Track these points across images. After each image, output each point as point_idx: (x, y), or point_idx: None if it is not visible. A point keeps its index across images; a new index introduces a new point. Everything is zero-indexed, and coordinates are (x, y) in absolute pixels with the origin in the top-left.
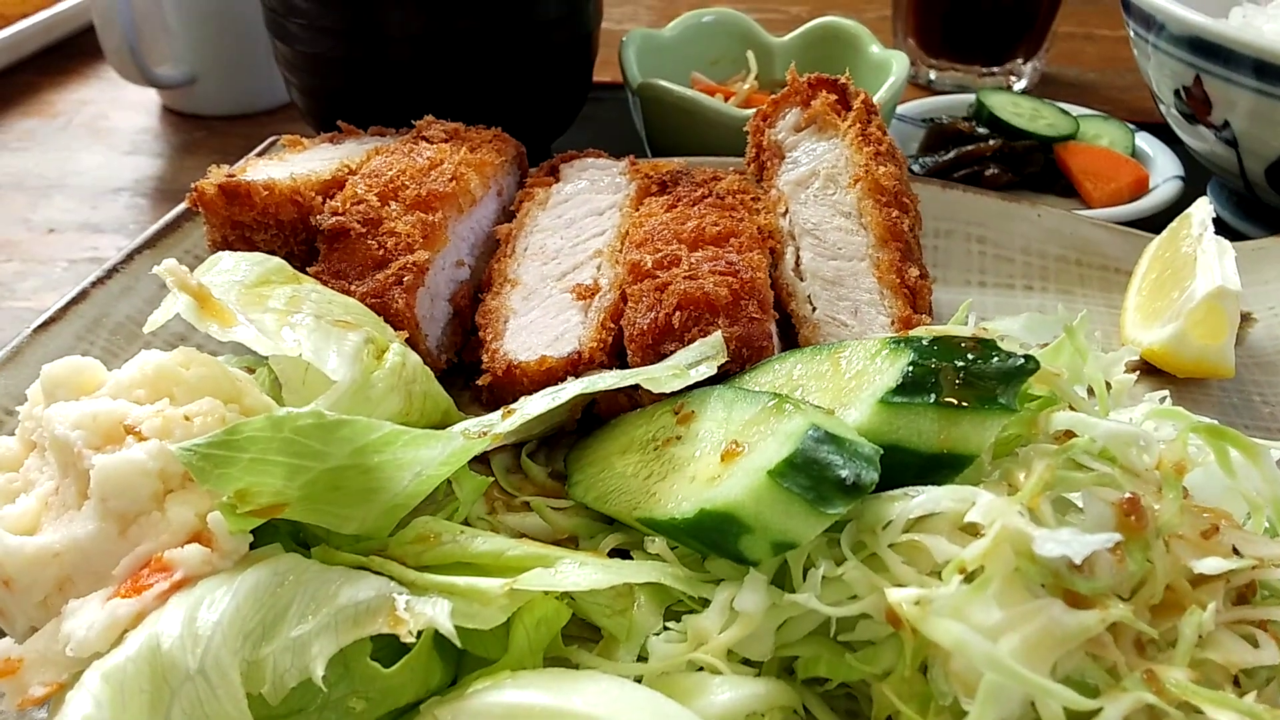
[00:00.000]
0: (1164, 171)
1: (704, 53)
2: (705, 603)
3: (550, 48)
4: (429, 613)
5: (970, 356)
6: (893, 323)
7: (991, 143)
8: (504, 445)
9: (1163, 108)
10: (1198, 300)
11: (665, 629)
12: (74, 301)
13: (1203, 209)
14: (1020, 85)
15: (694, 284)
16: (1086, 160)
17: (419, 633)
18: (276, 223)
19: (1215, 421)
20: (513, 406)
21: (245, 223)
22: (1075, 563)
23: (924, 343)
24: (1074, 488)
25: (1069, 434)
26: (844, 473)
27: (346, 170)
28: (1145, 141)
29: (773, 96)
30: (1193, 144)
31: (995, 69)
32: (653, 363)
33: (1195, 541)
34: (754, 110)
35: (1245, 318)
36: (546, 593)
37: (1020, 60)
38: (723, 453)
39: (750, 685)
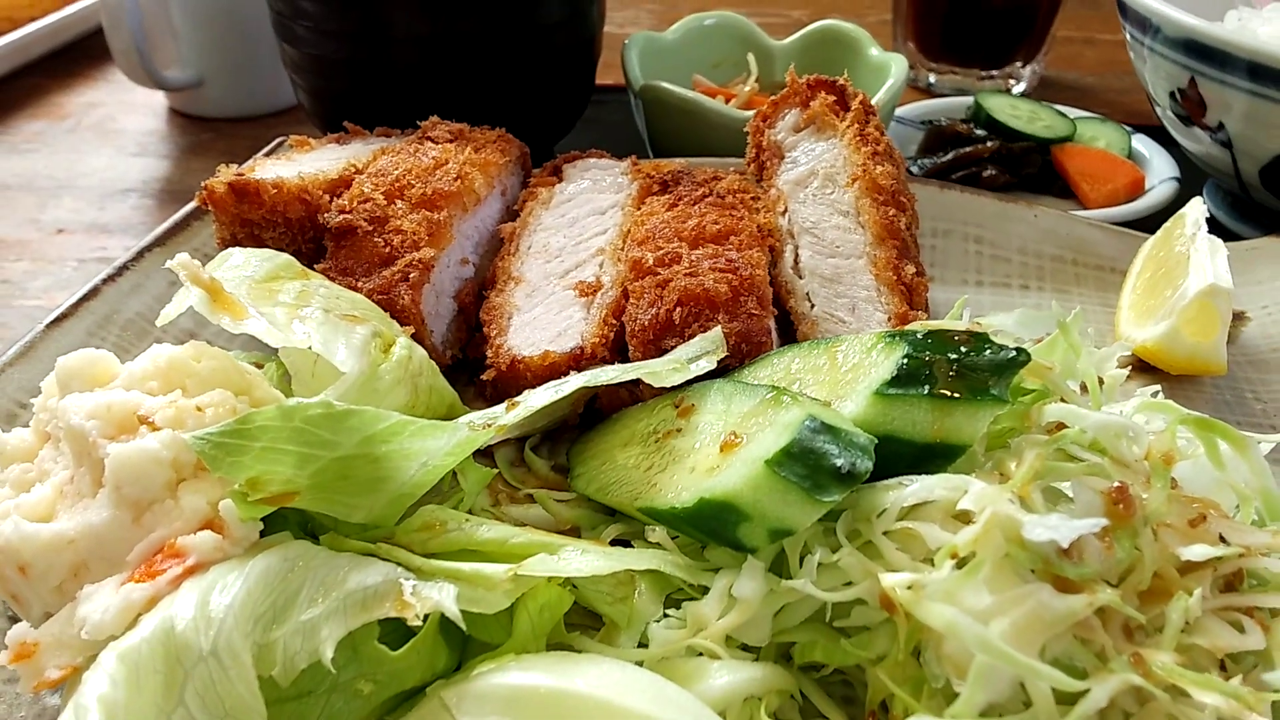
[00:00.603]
0: (1160, 173)
1: (705, 55)
2: (704, 590)
3: (553, 50)
4: (435, 597)
5: (963, 349)
6: (889, 319)
7: (990, 144)
8: (507, 439)
9: (1159, 110)
10: (1190, 298)
11: (665, 615)
12: (85, 298)
13: (1196, 209)
14: (1019, 88)
15: (694, 281)
16: (1083, 162)
17: (426, 617)
18: (285, 221)
19: (1206, 415)
20: (516, 400)
21: (254, 221)
22: (1063, 547)
23: (918, 336)
24: (1064, 477)
25: (1060, 426)
26: (839, 461)
27: (353, 170)
28: (1141, 143)
29: (772, 98)
30: (1188, 145)
31: (994, 72)
32: (654, 358)
33: (1183, 530)
34: (754, 111)
35: (1238, 316)
36: (550, 579)
37: (1019, 64)
38: (722, 444)
39: (748, 670)
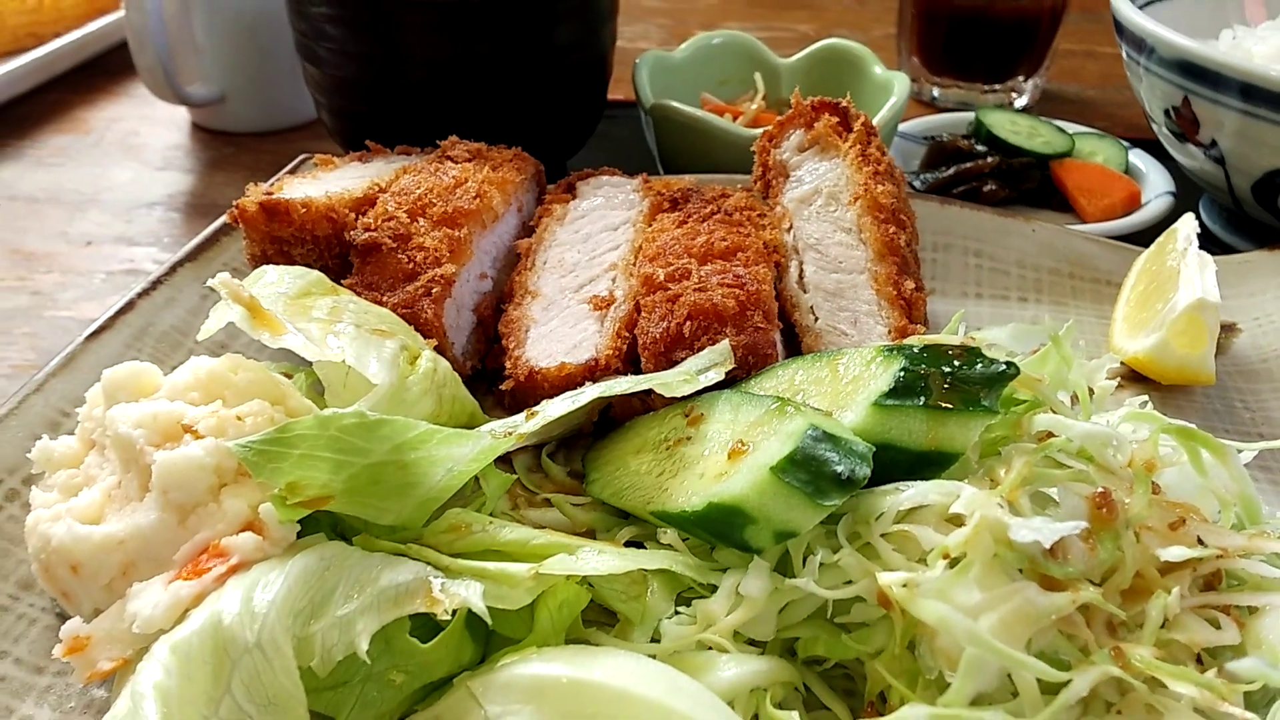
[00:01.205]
0: (1156, 187)
1: (713, 73)
2: (713, 588)
3: (567, 70)
4: (463, 594)
5: (957, 363)
6: (889, 332)
7: (990, 160)
8: (526, 446)
9: (1154, 126)
10: (1179, 311)
11: (676, 613)
12: (122, 311)
13: (1188, 225)
14: (1021, 102)
15: (703, 296)
16: (1081, 176)
17: (453, 612)
18: (313, 238)
19: (1193, 425)
20: (535, 409)
21: (284, 238)
22: (1046, 548)
23: (915, 350)
24: (1052, 483)
25: (1049, 434)
26: (840, 468)
27: (377, 188)
28: (1139, 158)
29: (778, 118)
30: (1183, 161)
31: (997, 86)
32: (665, 369)
33: (1163, 533)
34: (761, 130)
35: (1230, 328)
36: (568, 577)
37: (1021, 78)
38: (729, 451)
39: (754, 663)
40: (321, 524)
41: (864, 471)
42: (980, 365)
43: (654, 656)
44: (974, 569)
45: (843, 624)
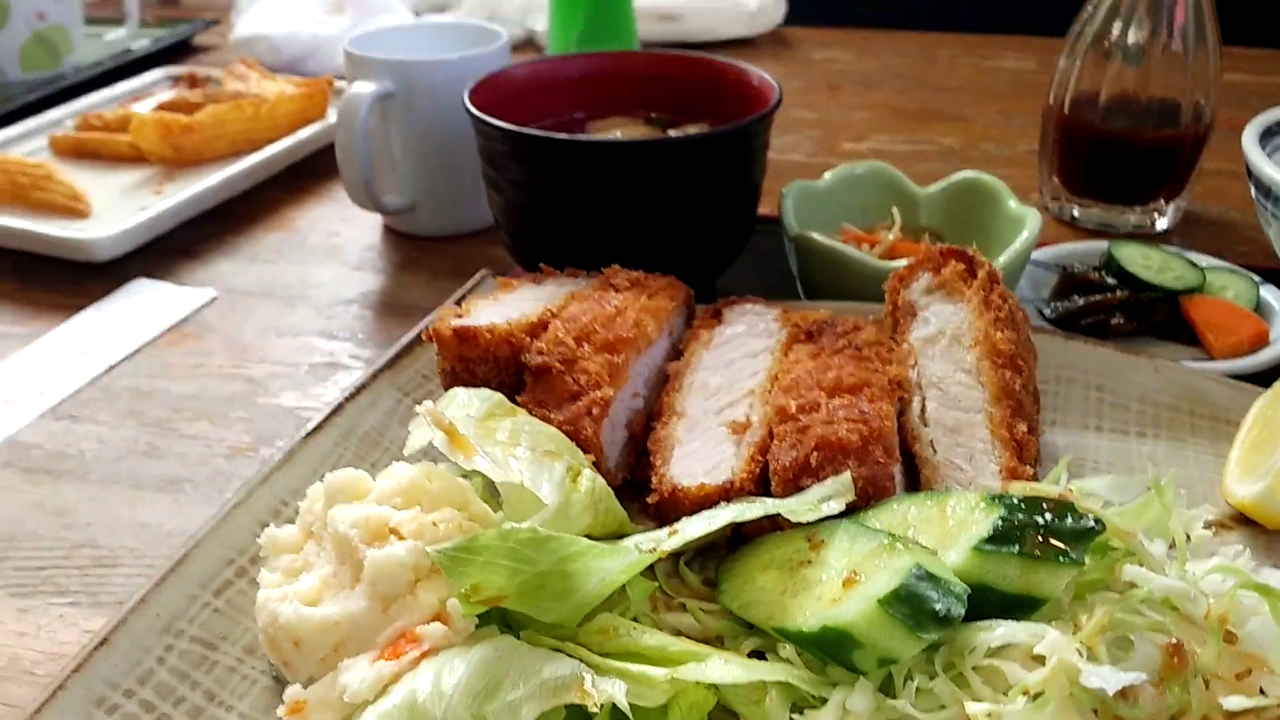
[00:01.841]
0: None
1: (855, 201)
2: (824, 701)
3: (722, 202)
4: (609, 690)
5: (1050, 516)
6: (1000, 470)
7: (1119, 294)
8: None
9: None
10: None
11: (791, 719)
12: (332, 414)
13: None
14: (1163, 224)
15: (830, 429)
16: (1210, 312)
17: (601, 706)
18: (495, 359)
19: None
20: (675, 527)
21: (471, 357)
22: (1109, 694)
23: (1014, 501)
24: (1131, 630)
25: (1134, 584)
26: (938, 606)
27: (549, 314)
28: (1270, 294)
29: (908, 262)
30: None
31: (1138, 208)
32: (792, 494)
33: (1230, 681)
34: (894, 263)
35: None
36: (698, 682)
37: (1163, 200)
38: (844, 580)
39: None
40: (494, 618)
41: (959, 611)
42: (1071, 520)
43: None
44: (1050, 706)
45: None
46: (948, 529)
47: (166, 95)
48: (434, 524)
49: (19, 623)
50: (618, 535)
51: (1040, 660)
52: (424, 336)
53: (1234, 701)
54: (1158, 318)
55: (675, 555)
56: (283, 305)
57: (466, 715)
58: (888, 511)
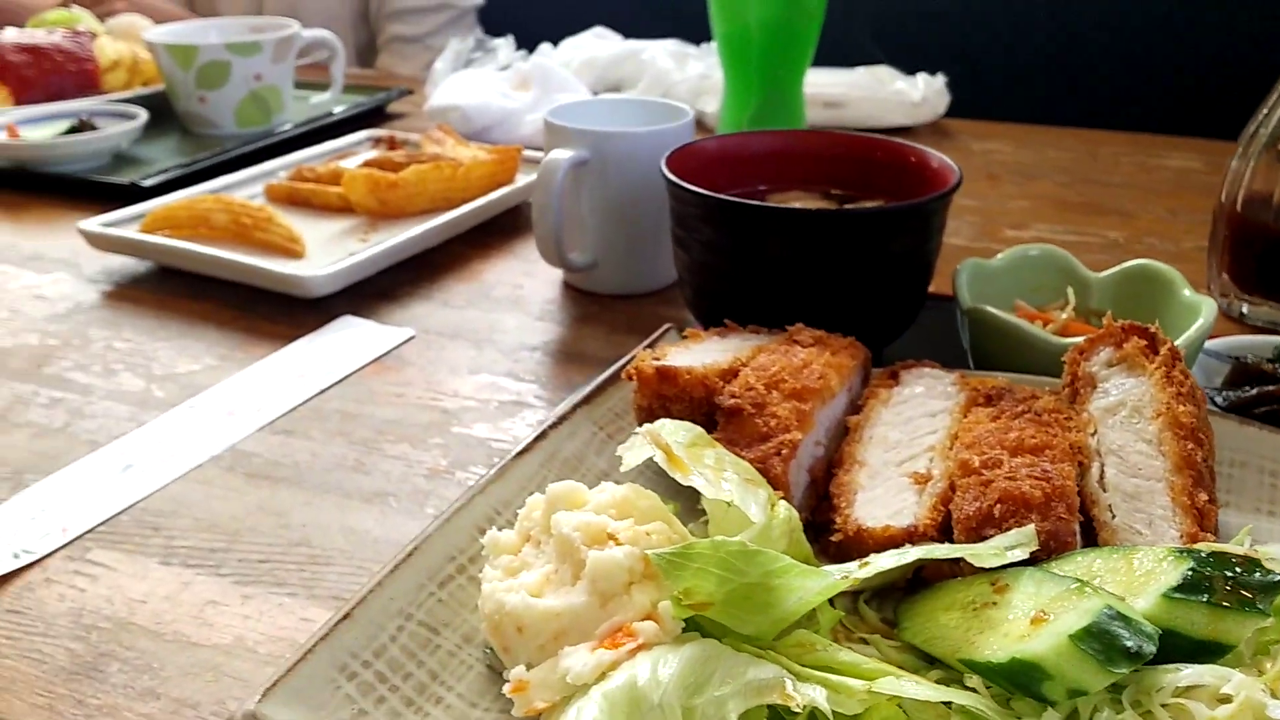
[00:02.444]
0: None
1: (1027, 281)
2: None
3: (897, 273)
4: (811, 695)
5: (1238, 569)
6: (1180, 536)
7: None
8: (842, 592)
9: None
10: None
11: None
12: (537, 439)
13: None
14: None
15: (1013, 484)
16: None
17: (802, 708)
18: (690, 398)
19: None
20: (867, 560)
21: (668, 396)
22: None
23: (1203, 554)
24: None
25: None
26: (1130, 643)
27: (739, 362)
28: None
29: (1089, 336)
30: None
31: None
32: (974, 543)
33: None
34: (1070, 340)
35: None
36: (890, 697)
37: None
38: (1032, 618)
39: None
40: (694, 627)
41: (1150, 648)
42: (1259, 574)
43: None
44: None
45: None
46: (1135, 579)
47: (370, 154)
48: (647, 533)
49: (244, 607)
50: None
51: (1225, 700)
52: (624, 375)
53: None
54: None
55: (854, 594)
56: (473, 347)
57: (678, 705)
58: (1071, 562)
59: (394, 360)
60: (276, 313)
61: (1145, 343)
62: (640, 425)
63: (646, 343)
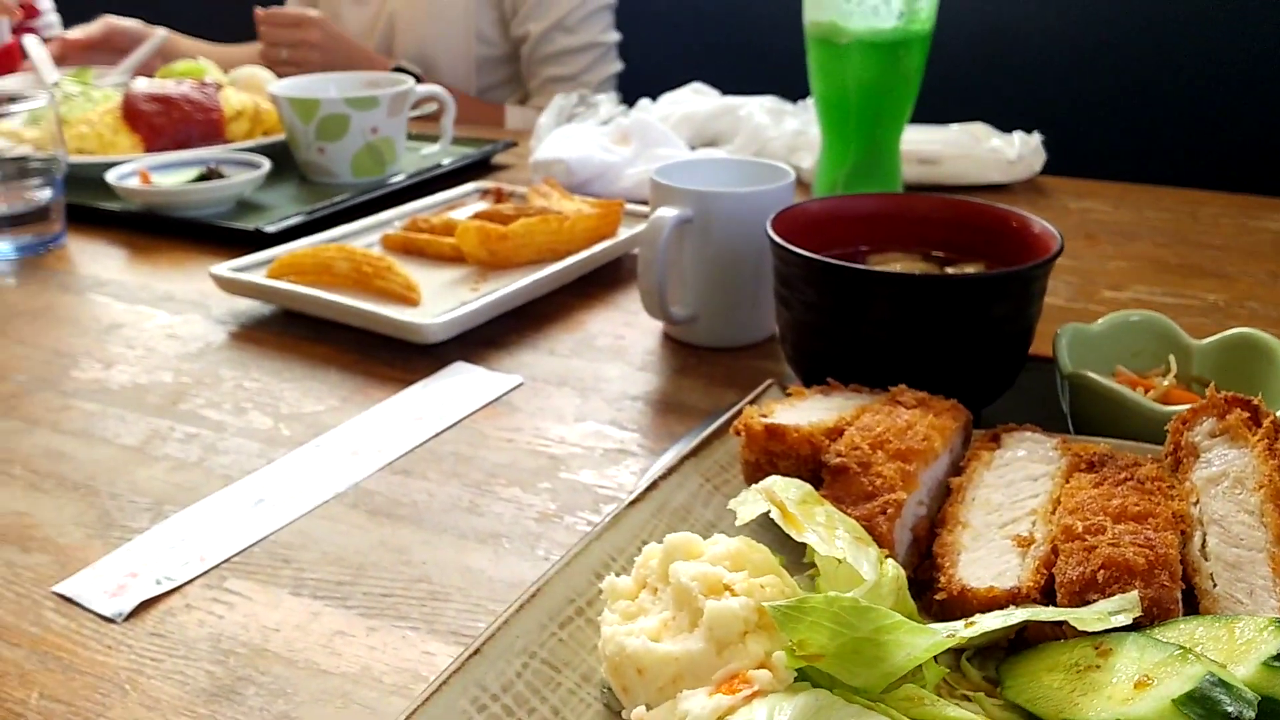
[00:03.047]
0: None
1: (1127, 346)
2: None
3: (997, 337)
4: None
5: None
6: None
7: None
8: (947, 649)
9: None
10: None
11: None
12: (649, 489)
13: None
14: None
15: (1116, 550)
16: None
17: None
18: (796, 455)
19: None
20: (972, 620)
21: (775, 452)
22: None
23: None
24: None
25: None
26: (1230, 709)
27: (844, 421)
28: None
29: (1192, 406)
30: None
31: None
32: (1076, 606)
33: None
34: (1172, 408)
35: None
36: None
37: None
38: (1135, 682)
39: None
40: (806, 674)
41: (1250, 714)
42: None
43: None
44: None
45: None
46: (1235, 647)
47: (477, 205)
48: (761, 586)
49: (369, 638)
50: None
51: None
52: (732, 430)
53: None
54: None
55: (956, 652)
56: (578, 395)
57: None
58: (1174, 629)
59: (503, 406)
60: (394, 357)
61: (1248, 414)
62: (746, 479)
63: (750, 398)
